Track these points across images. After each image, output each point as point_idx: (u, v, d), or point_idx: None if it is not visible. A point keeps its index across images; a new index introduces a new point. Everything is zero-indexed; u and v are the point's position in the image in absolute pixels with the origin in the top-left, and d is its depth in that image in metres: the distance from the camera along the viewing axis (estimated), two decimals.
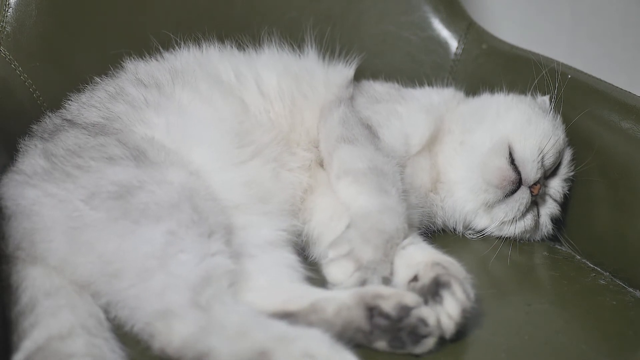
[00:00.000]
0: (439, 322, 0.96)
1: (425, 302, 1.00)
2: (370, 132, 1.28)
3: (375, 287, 1.01)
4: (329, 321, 0.96)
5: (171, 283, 0.93)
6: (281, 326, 0.91)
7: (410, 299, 0.97)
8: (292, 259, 1.13)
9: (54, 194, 1.01)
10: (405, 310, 0.95)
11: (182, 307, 0.91)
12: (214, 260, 0.97)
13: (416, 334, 0.94)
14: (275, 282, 1.05)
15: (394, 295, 0.97)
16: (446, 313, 0.98)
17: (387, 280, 1.08)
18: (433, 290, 1.01)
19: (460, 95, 1.53)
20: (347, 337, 0.94)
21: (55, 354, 0.87)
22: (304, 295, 1.01)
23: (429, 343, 0.95)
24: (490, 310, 1.08)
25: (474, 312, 1.02)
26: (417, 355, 0.95)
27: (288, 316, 0.96)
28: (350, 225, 1.10)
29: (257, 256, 1.08)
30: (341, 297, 0.98)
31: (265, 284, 1.04)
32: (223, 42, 1.40)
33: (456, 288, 1.01)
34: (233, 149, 1.17)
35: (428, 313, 0.96)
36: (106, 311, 0.97)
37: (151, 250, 0.95)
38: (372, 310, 0.96)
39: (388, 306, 0.96)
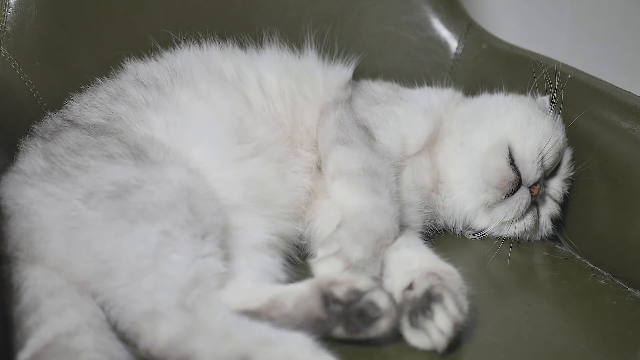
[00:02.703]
0: (391, 304, 0.96)
1: (416, 315, 0.99)
2: (366, 133, 1.28)
3: (332, 275, 1.00)
4: (289, 315, 0.96)
5: (161, 284, 0.93)
6: (264, 329, 0.91)
7: (363, 283, 0.97)
8: (270, 262, 1.12)
9: (52, 193, 1.01)
10: (356, 294, 0.96)
11: (169, 308, 0.91)
12: (205, 262, 0.97)
13: (365, 315, 0.94)
14: (243, 283, 1.04)
15: (347, 281, 0.98)
16: (437, 328, 0.96)
17: (376, 280, 1.06)
18: (424, 304, 0.99)
19: (459, 95, 1.53)
20: (309, 329, 0.93)
21: (64, 350, 0.87)
22: (263, 292, 1.00)
23: (382, 325, 0.95)
24: (490, 310, 1.08)
25: (467, 325, 1.00)
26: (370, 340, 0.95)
27: (250, 314, 0.96)
28: (340, 224, 1.10)
29: (235, 257, 1.08)
30: (299, 288, 0.99)
31: (233, 284, 1.03)
32: (224, 41, 1.40)
33: (448, 302, 0.98)
34: (232, 145, 1.17)
35: (379, 296, 0.96)
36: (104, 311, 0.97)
37: (145, 250, 0.95)
38: (327, 298, 0.96)
39: (340, 292, 0.96)
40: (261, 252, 1.12)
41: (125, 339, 0.93)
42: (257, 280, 1.06)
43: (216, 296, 0.96)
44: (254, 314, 0.96)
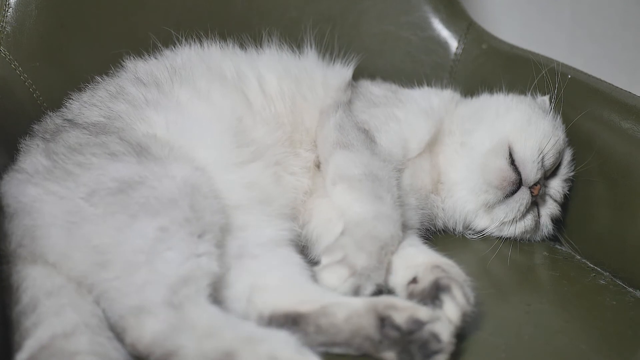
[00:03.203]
0: (454, 337, 0.94)
1: (426, 305, 0.99)
2: (367, 136, 1.28)
3: (389, 298, 1.00)
4: (337, 326, 0.95)
5: (152, 280, 0.93)
6: (250, 327, 0.92)
7: (424, 313, 0.95)
8: (298, 257, 1.12)
9: (55, 191, 1.01)
10: (417, 324, 0.94)
11: (156, 305, 0.91)
12: (198, 261, 0.97)
13: (427, 348, 0.92)
14: (290, 280, 1.05)
15: (408, 309, 0.96)
16: (446, 317, 0.98)
17: (381, 287, 1.07)
18: (433, 294, 1.01)
19: (458, 96, 1.52)
20: (355, 344, 0.94)
21: (59, 352, 0.87)
22: (317, 297, 1.00)
23: (440, 359, 0.93)
24: (490, 310, 1.08)
25: (474, 316, 1.01)
26: None
27: (299, 317, 0.97)
28: (344, 231, 1.10)
29: (262, 255, 1.08)
30: (353, 303, 0.98)
31: (279, 282, 1.04)
32: (225, 41, 1.40)
33: (456, 292, 1.00)
34: (232, 148, 1.17)
35: (442, 329, 0.94)
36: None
37: (141, 244, 0.95)
38: (383, 321, 0.95)
39: (400, 318, 0.95)
40: (285, 247, 1.13)
41: (115, 333, 0.93)
42: (295, 275, 1.06)
43: (206, 295, 0.96)
44: (302, 317, 0.96)
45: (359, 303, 0.98)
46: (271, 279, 1.04)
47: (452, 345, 0.94)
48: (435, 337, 0.93)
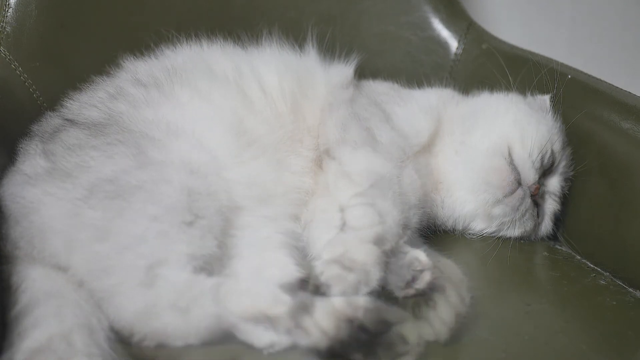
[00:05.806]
0: (422, 339, 0.94)
1: (419, 306, 1.00)
2: (369, 134, 1.28)
3: (358, 299, 0.99)
4: (306, 329, 0.95)
5: (156, 284, 0.94)
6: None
7: (393, 314, 0.95)
8: (285, 261, 1.12)
9: (53, 193, 1.01)
10: (385, 325, 0.93)
11: (162, 308, 0.92)
12: (201, 263, 0.98)
13: (393, 351, 0.92)
14: (262, 284, 1.04)
15: (376, 310, 0.95)
16: (440, 318, 0.97)
17: (379, 282, 1.07)
18: (427, 295, 1.01)
19: (458, 95, 1.53)
20: (323, 348, 0.93)
21: (55, 354, 0.87)
22: (286, 300, 0.99)
23: None
24: (490, 310, 1.08)
25: (470, 316, 1.01)
26: None
27: (268, 320, 0.96)
28: (344, 227, 1.11)
29: (249, 257, 1.08)
30: (322, 305, 0.97)
31: (252, 286, 1.03)
32: (225, 40, 1.40)
33: (450, 292, 1.00)
34: (233, 146, 1.17)
35: (409, 330, 0.94)
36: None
37: (142, 250, 0.96)
38: (352, 322, 0.94)
39: (368, 320, 0.94)
40: (276, 249, 1.13)
41: (121, 337, 0.93)
42: (274, 279, 1.06)
43: (210, 296, 0.96)
44: (271, 321, 0.96)
45: (327, 304, 0.97)
46: (246, 283, 1.02)
47: (420, 347, 0.93)
48: (402, 339, 0.92)
